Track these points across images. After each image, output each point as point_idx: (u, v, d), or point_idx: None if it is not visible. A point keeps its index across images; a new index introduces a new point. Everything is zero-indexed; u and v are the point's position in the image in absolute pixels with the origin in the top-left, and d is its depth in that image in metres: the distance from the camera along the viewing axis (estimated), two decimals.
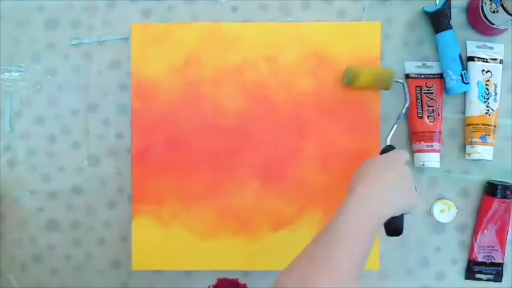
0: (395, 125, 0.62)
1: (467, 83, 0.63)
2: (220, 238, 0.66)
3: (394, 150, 0.58)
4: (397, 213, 0.52)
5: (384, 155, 0.57)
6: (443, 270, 0.66)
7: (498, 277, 0.65)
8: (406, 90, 0.63)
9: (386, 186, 0.51)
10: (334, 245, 0.46)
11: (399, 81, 0.63)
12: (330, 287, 0.43)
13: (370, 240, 0.48)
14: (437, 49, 0.65)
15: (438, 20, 0.64)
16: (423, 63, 0.66)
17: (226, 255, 0.66)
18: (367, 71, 0.62)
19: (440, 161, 0.65)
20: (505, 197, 0.64)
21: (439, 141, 0.64)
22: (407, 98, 0.62)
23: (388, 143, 0.61)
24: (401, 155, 0.56)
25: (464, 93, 0.65)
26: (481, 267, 0.65)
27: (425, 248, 0.66)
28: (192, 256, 0.66)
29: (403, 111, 0.62)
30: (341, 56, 0.65)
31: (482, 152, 0.64)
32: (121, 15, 0.66)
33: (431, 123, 0.64)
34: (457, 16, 0.65)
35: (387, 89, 0.64)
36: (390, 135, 0.62)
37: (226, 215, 0.66)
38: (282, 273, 0.46)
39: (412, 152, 0.66)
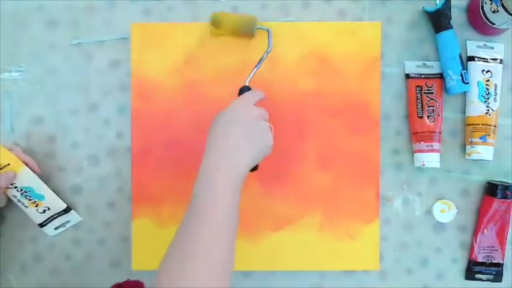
0: (256, 69, 0.61)
1: (468, 83, 0.63)
2: None
3: (244, 95, 0.57)
4: (255, 163, 0.53)
5: (231, 107, 0.55)
6: (443, 270, 0.66)
7: (498, 277, 0.65)
8: (271, 38, 0.62)
9: (235, 145, 0.51)
10: (200, 222, 0.46)
11: (263, 28, 0.63)
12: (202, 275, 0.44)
13: (235, 199, 0.49)
14: (437, 49, 0.65)
15: (438, 20, 0.63)
16: (423, 63, 0.66)
17: None
18: (229, 17, 0.63)
19: (440, 161, 0.65)
20: (505, 197, 0.64)
21: (439, 141, 0.64)
22: (271, 45, 0.62)
23: (246, 84, 0.60)
24: (250, 98, 0.55)
25: (465, 93, 0.65)
26: (481, 267, 0.65)
27: (425, 248, 0.66)
28: None
29: (264, 56, 0.61)
30: (341, 55, 0.65)
31: (483, 152, 0.64)
32: (121, 15, 0.66)
33: (432, 123, 0.64)
34: (457, 16, 0.65)
35: (251, 35, 0.64)
36: (250, 78, 0.60)
37: None
38: (159, 272, 0.46)
39: (412, 152, 0.66)
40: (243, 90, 0.59)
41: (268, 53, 0.62)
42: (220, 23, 0.63)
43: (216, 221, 0.47)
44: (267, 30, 0.63)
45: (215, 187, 0.48)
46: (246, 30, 0.63)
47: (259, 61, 0.62)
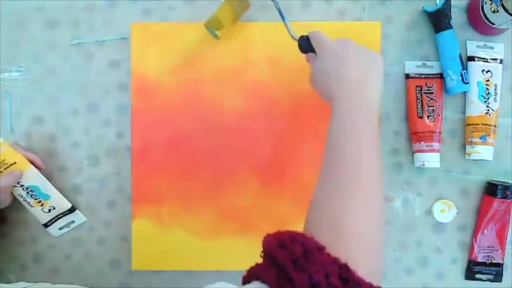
0: (287, 22, 0.59)
1: (468, 83, 0.63)
2: (220, 238, 0.66)
3: (317, 39, 0.55)
4: (380, 86, 0.52)
5: (322, 56, 0.54)
6: (443, 270, 0.66)
7: (498, 277, 0.65)
8: None
9: (357, 81, 0.50)
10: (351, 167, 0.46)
11: None
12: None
13: (377, 137, 0.48)
14: (437, 49, 0.65)
15: (438, 20, 0.63)
16: (423, 63, 0.66)
17: (227, 255, 0.66)
18: (222, 12, 0.62)
19: (440, 161, 0.65)
20: (505, 197, 0.64)
21: (439, 141, 0.64)
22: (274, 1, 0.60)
23: (297, 38, 0.58)
24: (323, 37, 0.55)
25: (465, 93, 0.65)
26: (481, 267, 0.65)
27: (425, 248, 0.66)
28: (192, 257, 0.66)
29: (279, 7, 0.60)
30: None
31: (483, 152, 0.64)
32: (121, 15, 0.66)
33: (432, 123, 0.64)
34: (457, 16, 0.65)
35: (248, 6, 0.63)
36: (292, 31, 0.59)
37: (226, 215, 0.66)
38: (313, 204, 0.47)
39: (412, 152, 0.66)
40: (302, 41, 0.57)
41: (277, 2, 0.60)
42: (221, 21, 0.62)
43: (368, 162, 0.46)
44: None
45: (358, 133, 0.47)
46: (243, 7, 0.63)
47: (281, 15, 0.59)
